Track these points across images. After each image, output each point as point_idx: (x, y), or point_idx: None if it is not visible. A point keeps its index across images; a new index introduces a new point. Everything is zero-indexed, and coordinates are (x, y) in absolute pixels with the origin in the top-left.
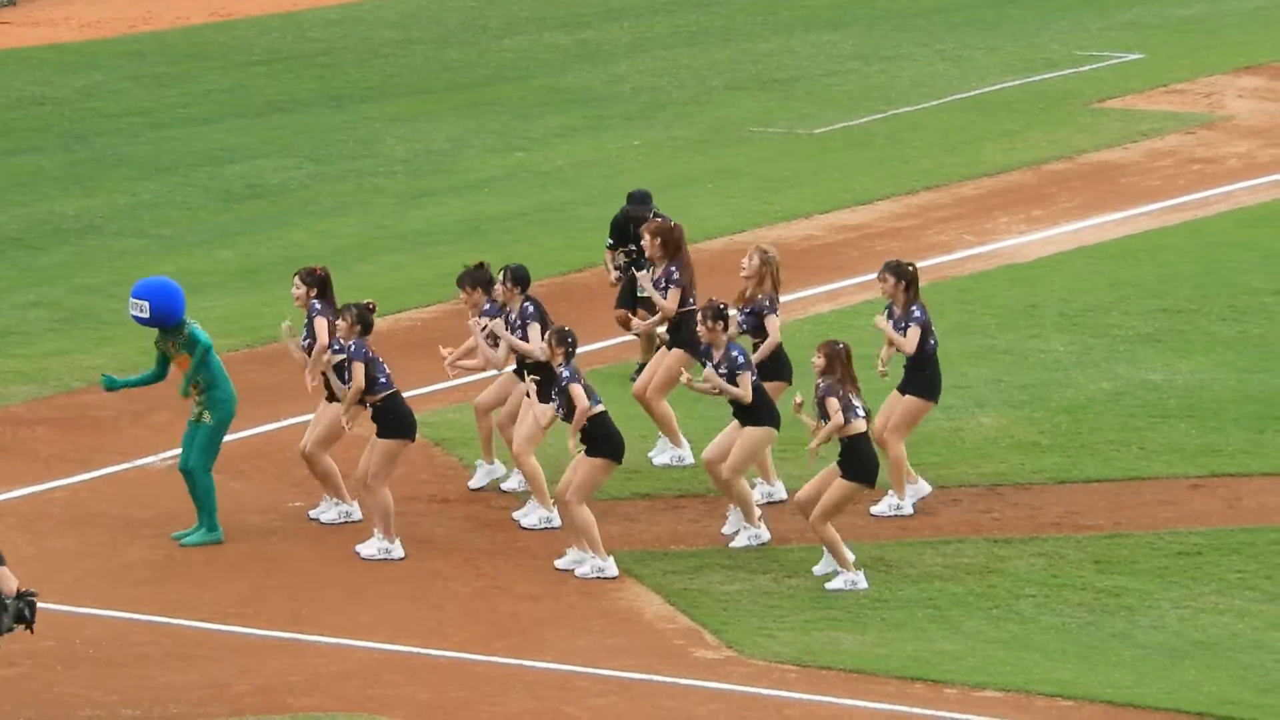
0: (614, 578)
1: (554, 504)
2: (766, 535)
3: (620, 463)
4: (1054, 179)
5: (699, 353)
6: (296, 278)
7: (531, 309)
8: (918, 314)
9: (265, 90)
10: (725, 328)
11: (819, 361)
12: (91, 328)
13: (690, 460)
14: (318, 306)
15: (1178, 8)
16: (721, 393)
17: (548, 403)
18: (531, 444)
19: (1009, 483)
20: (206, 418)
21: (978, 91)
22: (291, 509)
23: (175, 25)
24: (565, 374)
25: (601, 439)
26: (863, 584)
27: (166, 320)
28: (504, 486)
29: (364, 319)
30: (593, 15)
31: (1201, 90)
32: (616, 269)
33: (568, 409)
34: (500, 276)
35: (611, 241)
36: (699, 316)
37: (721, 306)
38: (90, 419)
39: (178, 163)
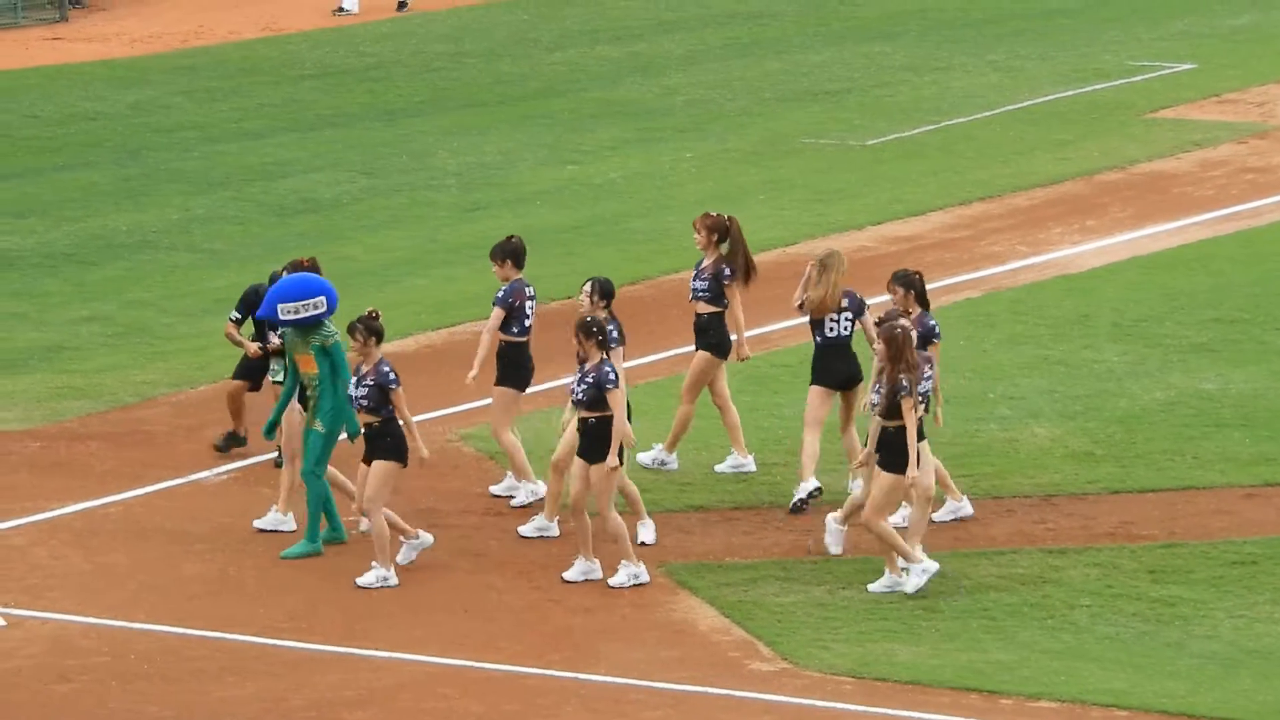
0: (599, 579)
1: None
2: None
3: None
4: (1107, 189)
5: (725, 354)
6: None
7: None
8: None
9: (317, 104)
10: (919, 299)
11: (880, 349)
12: (144, 342)
13: (752, 468)
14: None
15: (1229, 18)
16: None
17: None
18: (508, 419)
19: (1063, 493)
20: (318, 425)
21: (1029, 102)
22: (345, 522)
23: (227, 40)
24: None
25: (597, 443)
26: (915, 584)
27: (334, 310)
28: (503, 494)
29: (375, 330)
30: (644, 28)
31: (1253, 100)
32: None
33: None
34: (588, 289)
35: (238, 316)
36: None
37: (917, 276)
38: (144, 434)
39: (230, 177)
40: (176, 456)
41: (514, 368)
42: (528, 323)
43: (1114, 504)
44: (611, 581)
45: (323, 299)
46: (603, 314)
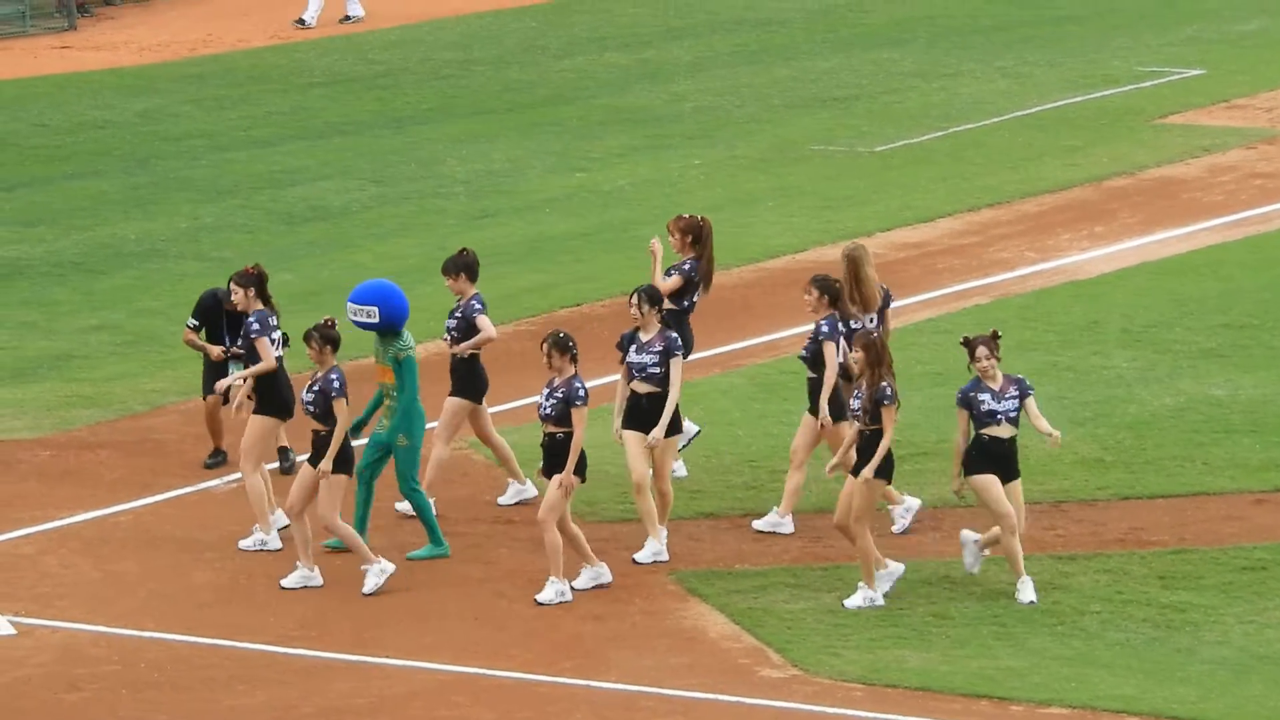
0: (608, 583)
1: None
2: (881, 599)
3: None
4: (1116, 195)
5: (688, 353)
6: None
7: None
8: (825, 329)
9: (326, 112)
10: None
11: (859, 356)
12: (154, 351)
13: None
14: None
15: (1238, 23)
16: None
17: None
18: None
19: (1073, 499)
20: (402, 440)
21: (1038, 108)
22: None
23: (235, 48)
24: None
25: (562, 458)
26: (880, 601)
27: (396, 325)
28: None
29: (330, 338)
30: (653, 35)
31: (1262, 105)
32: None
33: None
34: (635, 300)
35: (195, 323)
36: (982, 352)
37: (998, 333)
38: (153, 442)
39: (239, 185)
40: (186, 465)
41: (471, 379)
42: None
43: (1124, 510)
44: (539, 598)
45: (375, 309)
46: (657, 322)
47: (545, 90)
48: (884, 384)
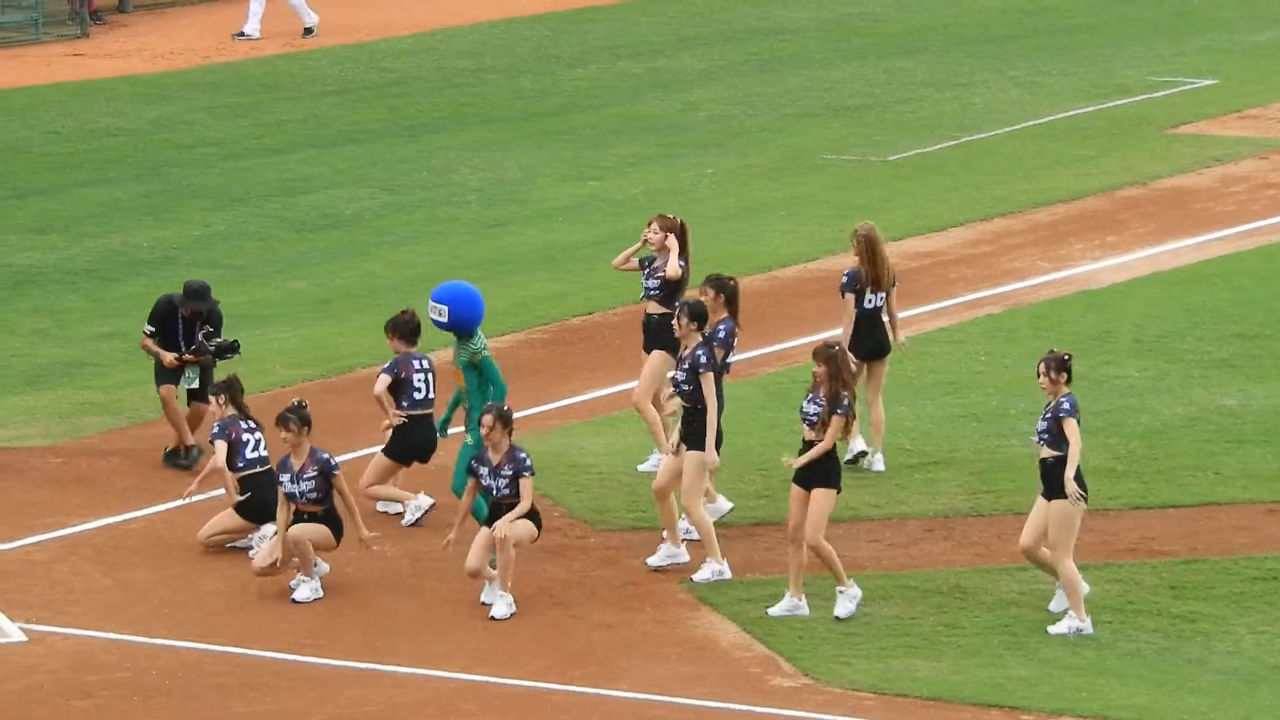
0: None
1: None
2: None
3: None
4: (1128, 205)
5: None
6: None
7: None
8: (723, 333)
9: (338, 120)
10: (1068, 379)
11: (821, 370)
12: None
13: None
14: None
15: (1250, 33)
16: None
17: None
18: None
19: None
20: (469, 439)
21: (1051, 118)
22: (365, 538)
23: (248, 56)
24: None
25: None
26: (856, 602)
27: (465, 327)
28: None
29: (307, 419)
30: (665, 43)
31: (1275, 115)
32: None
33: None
34: (677, 312)
35: (152, 329)
36: (1040, 369)
37: (1066, 357)
38: (164, 450)
39: (251, 193)
40: (197, 472)
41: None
42: (418, 396)
43: (1135, 520)
44: (495, 614)
45: (445, 309)
46: (696, 337)
47: (558, 99)
48: (844, 394)
